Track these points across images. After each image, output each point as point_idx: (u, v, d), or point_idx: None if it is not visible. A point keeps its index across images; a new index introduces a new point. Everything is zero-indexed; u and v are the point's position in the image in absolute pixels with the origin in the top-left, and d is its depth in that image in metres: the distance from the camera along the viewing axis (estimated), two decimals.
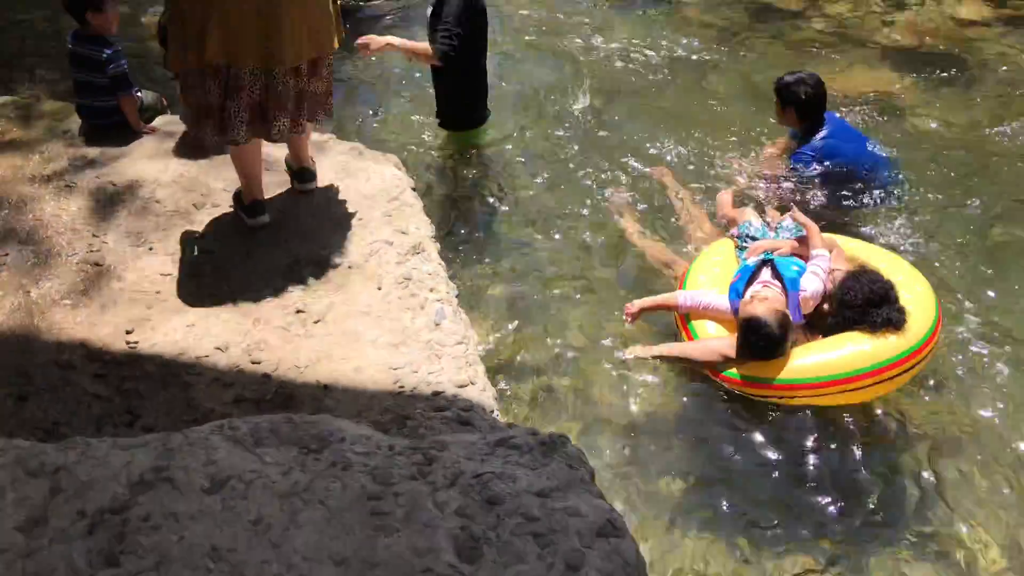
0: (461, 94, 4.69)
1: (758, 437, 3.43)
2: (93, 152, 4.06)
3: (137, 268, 3.41)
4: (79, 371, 2.96)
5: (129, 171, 3.93)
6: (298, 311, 3.26)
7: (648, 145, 5.06)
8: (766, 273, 3.61)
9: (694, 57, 6.05)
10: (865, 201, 4.47)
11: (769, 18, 6.60)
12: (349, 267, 3.47)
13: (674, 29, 6.43)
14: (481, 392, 2.93)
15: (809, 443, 3.39)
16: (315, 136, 4.09)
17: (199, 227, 3.63)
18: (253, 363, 3.03)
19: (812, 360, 3.43)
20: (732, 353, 3.46)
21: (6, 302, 3.24)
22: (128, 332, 3.12)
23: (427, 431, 2.62)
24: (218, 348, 3.08)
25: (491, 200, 4.71)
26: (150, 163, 3.99)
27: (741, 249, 3.90)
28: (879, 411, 3.48)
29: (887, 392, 3.47)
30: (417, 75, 5.06)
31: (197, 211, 3.72)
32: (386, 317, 3.24)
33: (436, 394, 2.88)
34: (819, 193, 4.46)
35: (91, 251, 3.48)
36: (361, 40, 4.43)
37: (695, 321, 3.68)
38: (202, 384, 2.94)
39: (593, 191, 4.72)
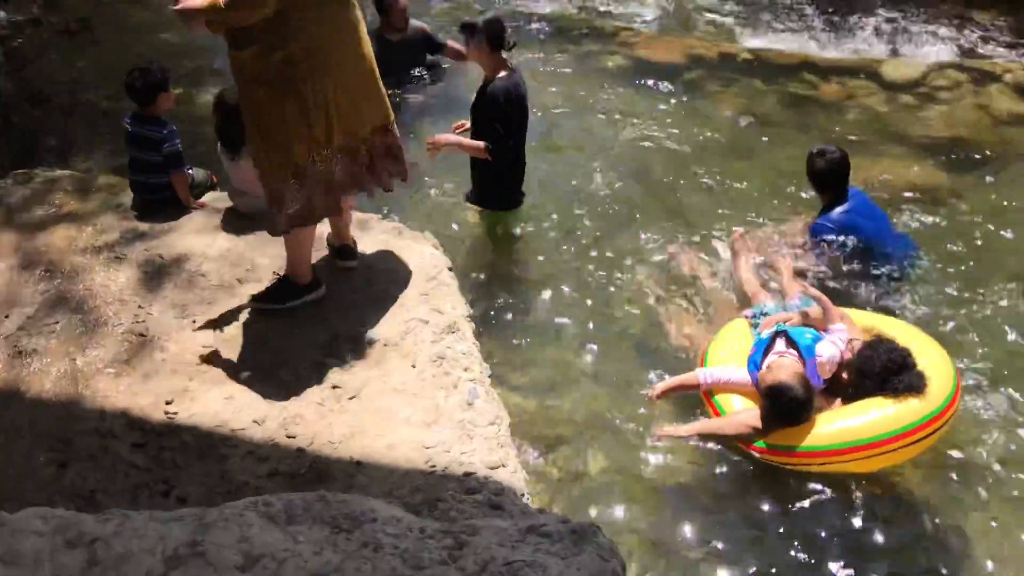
0: (498, 175, 4.82)
1: (788, 513, 3.44)
2: (144, 226, 4.21)
3: (180, 340, 3.50)
4: (119, 440, 3.02)
5: (177, 245, 4.06)
6: (334, 386, 3.31)
7: (678, 225, 5.15)
8: (780, 344, 3.71)
9: (726, 141, 6.16)
10: (882, 277, 4.51)
11: (804, 109, 6.68)
12: (385, 344, 3.53)
13: (708, 116, 6.54)
14: (512, 474, 2.94)
15: (846, 522, 3.39)
16: (358, 215, 4.20)
17: (243, 300, 3.72)
18: (288, 437, 3.08)
19: (839, 426, 3.49)
20: (760, 423, 3.52)
21: (53, 369, 3.33)
22: (168, 402, 3.19)
23: (458, 514, 2.62)
24: (255, 421, 3.13)
25: (525, 280, 4.77)
26: (198, 237, 4.13)
27: (755, 327, 4.01)
28: (903, 489, 3.51)
29: (912, 456, 3.51)
30: (455, 155, 5.19)
31: (241, 285, 3.82)
32: (420, 395, 3.27)
33: (467, 475, 2.89)
34: (835, 265, 4.53)
35: (136, 321, 3.59)
36: (430, 140, 4.77)
37: (719, 396, 3.76)
38: (237, 456, 2.99)
39: (624, 271, 4.79)
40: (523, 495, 2.87)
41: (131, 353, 3.43)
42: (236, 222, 4.24)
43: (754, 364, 3.70)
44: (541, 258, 4.94)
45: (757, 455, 3.55)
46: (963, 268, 4.75)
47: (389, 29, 6.23)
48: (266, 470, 2.93)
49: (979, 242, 5.04)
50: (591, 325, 4.44)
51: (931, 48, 7.52)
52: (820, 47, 7.64)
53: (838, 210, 4.58)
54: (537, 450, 3.65)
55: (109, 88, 6.16)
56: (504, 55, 4.57)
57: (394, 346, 3.52)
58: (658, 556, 3.25)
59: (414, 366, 3.42)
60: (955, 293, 4.52)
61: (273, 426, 3.12)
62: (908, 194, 5.50)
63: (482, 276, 4.72)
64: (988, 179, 5.75)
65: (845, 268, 4.50)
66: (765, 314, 4.05)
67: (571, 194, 5.49)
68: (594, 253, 4.93)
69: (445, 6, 8.13)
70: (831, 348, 3.65)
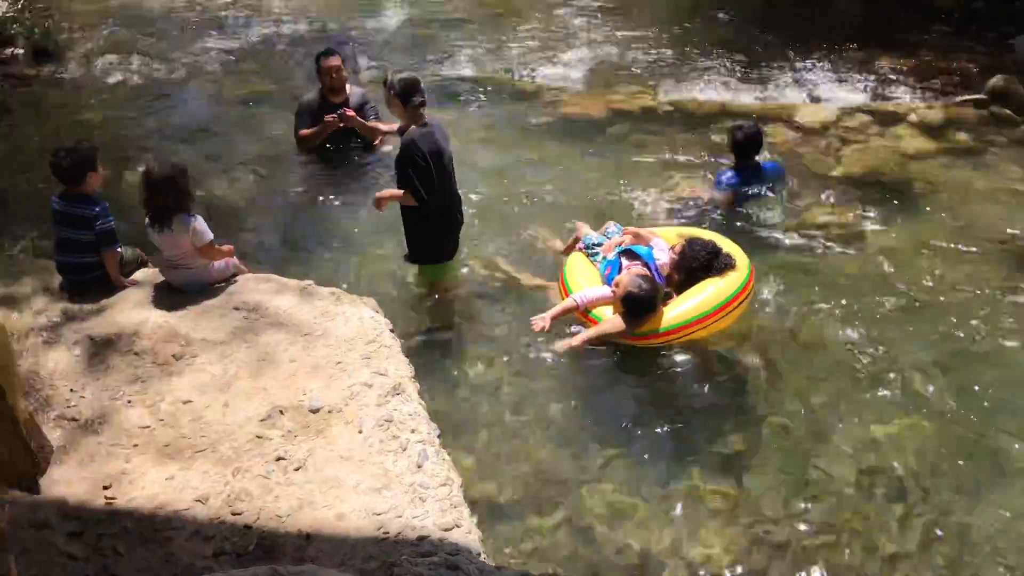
0: (426, 228, 4.86)
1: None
2: (74, 307, 4.11)
3: (115, 422, 3.39)
4: (54, 531, 2.90)
5: (109, 324, 3.97)
6: (278, 459, 3.24)
7: None
8: (626, 260, 4.60)
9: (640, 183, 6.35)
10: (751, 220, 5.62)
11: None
12: (329, 412, 3.48)
13: (630, 165, 6.70)
14: (467, 535, 2.91)
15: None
16: (296, 283, 4.17)
17: (178, 378, 3.64)
18: (234, 514, 3.00)
19: (688, 305, 4.43)
20: (626, 320, 4.29)
21: None
22: (105, 488, 3.08)
23: None
24: (198, 500, 3.04)
25: (465, 334, 4.78)
26: (130, 315, 4.04)
27: (593, 255, 4.86)
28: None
29: (744, 312, 4.60)
30: (387, 216, 5.18)
31: (176, 362, 3.73)
32: (367, 461, 3.23)
33: (421, 539, 2.85)
34: (721, 209, 5.68)
35: (69, 406, 3.48)
36: (378, 197, 4.85)
37: (595, 311, 4.49)
38: (181, 538, 2.89)
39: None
40: (479, 554, 2.83)
41: (65, 439, 3.32)
42: (168, 297, 4.17)
43: (612, 282, 4.48)
44: (479, 310, 4.95)
45: (639, 344, 4.41)
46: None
47: (328, 91, 6.27)
48: (212, 550, 2.84)
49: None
50: (534, 378, 4.42)
51: (841, 93, 7.89)
52: (736, 96, 7.93)
53: (730, 172, 5.78)
54: (490, 507, 3.61)
55: (31, 171, 6.04)
56: (420, 111, 4.65)
57: (338, 412, 3.48)
58: None
59: (360, 431, 3.37)
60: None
61: (217, 504, 3.03)
62: (823, 227, 5.76)
63: (424, 335, 4.70)
64: (897, 212, 6.03)
65: (726, 211, 5.67)
66: (597, 244, 4.89)
67: (505, 245, 5.54)
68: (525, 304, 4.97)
69: (374, 74, 8.23)
70: (663, 254, 4.61)
